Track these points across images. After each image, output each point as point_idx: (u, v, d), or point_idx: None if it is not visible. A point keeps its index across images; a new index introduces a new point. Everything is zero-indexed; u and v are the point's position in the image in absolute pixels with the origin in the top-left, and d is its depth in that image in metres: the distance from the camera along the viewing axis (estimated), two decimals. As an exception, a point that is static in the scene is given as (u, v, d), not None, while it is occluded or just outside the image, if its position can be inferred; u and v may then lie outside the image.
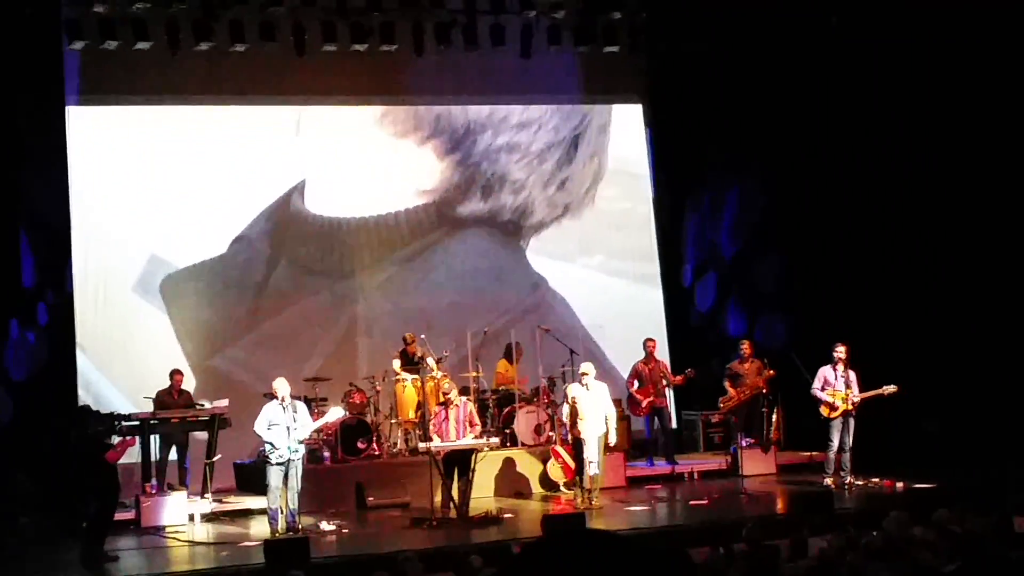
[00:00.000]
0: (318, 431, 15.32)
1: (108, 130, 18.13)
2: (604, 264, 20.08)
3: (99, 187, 17.98)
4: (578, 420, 15.14)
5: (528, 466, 16.69)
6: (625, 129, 20.54)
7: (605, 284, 19.82)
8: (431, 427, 14.97)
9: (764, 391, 17.47)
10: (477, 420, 15.09)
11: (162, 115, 18.39)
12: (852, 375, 15.77)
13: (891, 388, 15.68)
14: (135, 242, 18.04)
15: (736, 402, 17.48)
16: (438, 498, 14.59)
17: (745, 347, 17.66)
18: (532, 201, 19.64)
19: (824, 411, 15.84)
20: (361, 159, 19.28)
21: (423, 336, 17.30)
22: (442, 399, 15.11)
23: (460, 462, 14.57)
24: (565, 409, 15.42)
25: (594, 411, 15.15)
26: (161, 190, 18.16)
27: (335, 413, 15.05)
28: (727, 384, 17.58)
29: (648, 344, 17.75)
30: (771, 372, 17.20)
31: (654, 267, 20.29)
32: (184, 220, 18.07)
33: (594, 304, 19.80)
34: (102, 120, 18.19)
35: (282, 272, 18.67)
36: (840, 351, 15.79)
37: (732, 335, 19.24)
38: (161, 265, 18.19)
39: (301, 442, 14.02)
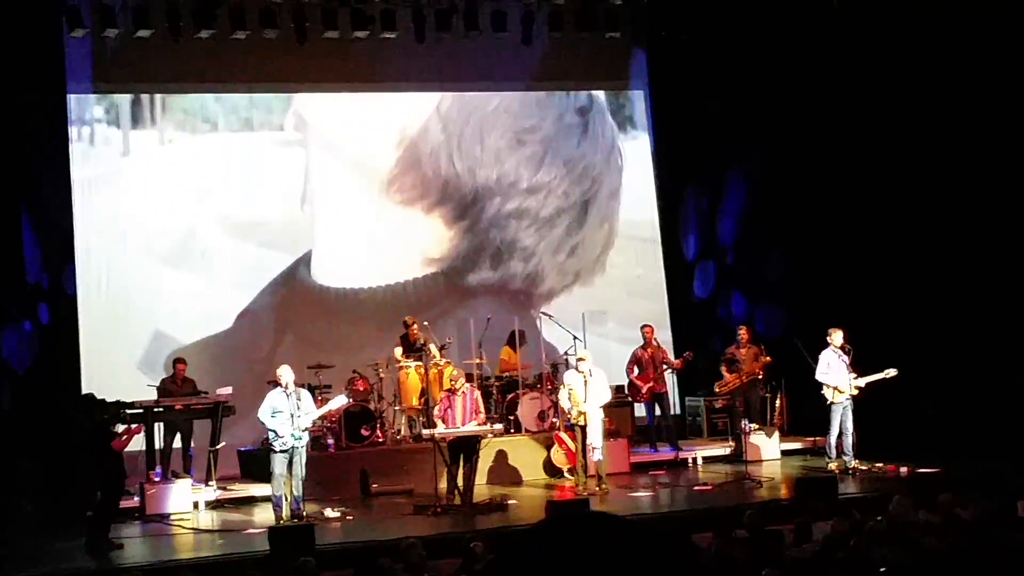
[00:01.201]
0: (322, 418, 15.31)
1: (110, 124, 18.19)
2: (616, 332, 19.57)
3: (102, 180, 18.01)
4: (577, 406, 15.13)
5: (532, 453, 16.69)
6: (636, 193, 20.30)
7: (618, 351, 18.76)
8: (436, 413, 14.96)
9: (760, 377, 17.49)
10: (482, 407, 15.09)
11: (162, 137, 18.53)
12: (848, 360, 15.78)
13: (892, 372, 15.69)
14: (139, 319, 17.69)
15: (732, 387, 17.49)
16: (442, 485, 14.60)
17: (743, 333, 17.68)
18: (542, 268, 19.27)
19: (829, 394, 15.84)
20: (368, 228, 19.12)
21: (426, 323, 17.30)
22: (449, 385, 15.10)
23: (465, 449, 14.59)
24: (563, 395, 15.41)
25: (594, 398, 15.16)
26: (164, 259, 18.09)
27: (339, 401, 15.06)
28: (723, 369, 17.60)
29: (645, 330, 17.76)
30: (768, 359, 17.22)
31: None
32: (189, 295, 17.82)
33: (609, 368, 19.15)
34: (105, 109, 18.21)
35: (288, 346, 18.25)
36: (837, 336, 15.80)
37: (733, 321, 19.25)
38: (166, 342, 17.95)
39: (305, 429, 14.03)
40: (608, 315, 19.42)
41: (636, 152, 20.65)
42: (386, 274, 18.83)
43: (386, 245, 18.96)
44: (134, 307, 17.68)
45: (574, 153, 20.27)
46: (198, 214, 18.55)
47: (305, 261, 18.90)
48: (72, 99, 17.80)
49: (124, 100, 18.35)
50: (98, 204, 17.99)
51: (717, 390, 17.76)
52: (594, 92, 20.55)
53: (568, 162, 20.21)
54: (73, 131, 17.86)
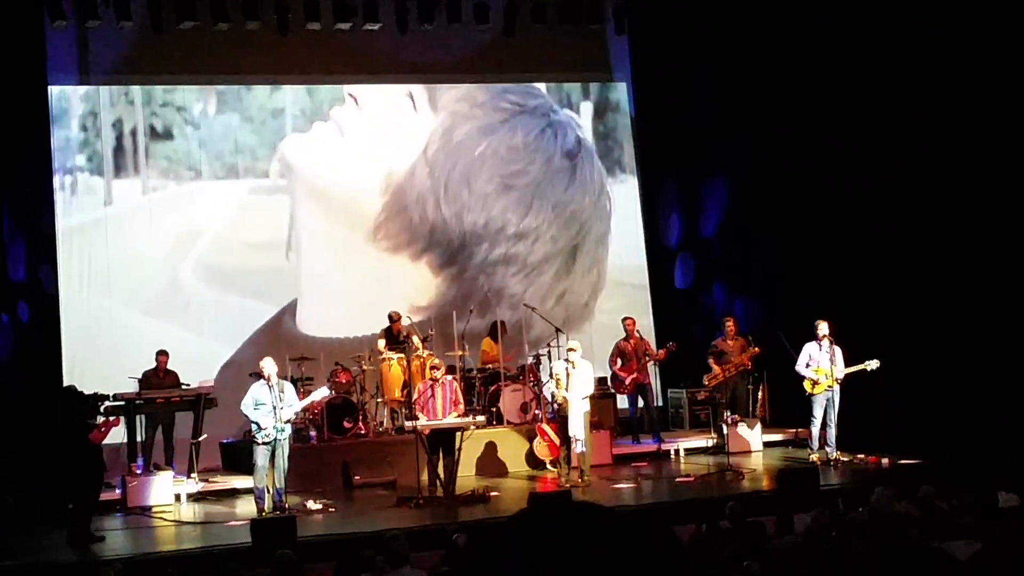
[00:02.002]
0: (304, 410, 15.29)
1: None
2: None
3: (85, 229, 17.99)
4: (563, 397, 15.14)
5: (514, 444, 16.69)
6: (625, 238, 20.07)
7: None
8: (416, 405, 14.93)
9: (749, 368, 17.51)
10: (461, 399, 15.08)
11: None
12: (838, 352, 15.82)
13: (874, 363, 15.73)
14: (121, 371, 16.40)
15: (720, 379, 17.48)
16: (424, 477, 14.60)
17: (730, 324, 17.67)
18: (530, 315, 18.66)
19: (807, 386, 15.89)
20: (353, 276, 18.90)
21: (410, 317, 17.29)
22: (430, 375, 15.08)
23: (445, 440, 14.58)
24: (551, 386, 15.42)
25: (579, 388, 15.17)
26: (147, 310, 17.90)
27: (321, 392, 15.05)
28: (711, 361, 17.58)
29: (627, 322, 17.79)
30: (756, 349, 17.23)
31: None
32: (172, 347, 16.75)
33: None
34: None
35: None
36: (822, 327, 15.84)
37: (716, 313, 19.26)
38: None
39: (288, 421, 14.02)
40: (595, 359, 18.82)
41: (625, 197, 20.47)
42: (373, 322, 17.94)
43: (372, 293, 18.38)
44: (117, 358, 16.93)
45: (562, 198, 20.02)
46: (181, 264, 18.41)
47: (290, 310, 18.64)
48: (54, 145, 17.70)
49: (107, 148, 18.20)
50: (81, 253, 17.83)
51: (706, 382, 17.69)
52: (583, 137, 20.38)
53: (556, 207, 19.96)
54: (56, 180, 17.75)
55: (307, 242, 18.91)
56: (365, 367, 17.05)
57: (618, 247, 20.34)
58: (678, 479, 15.69)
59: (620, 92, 20.66)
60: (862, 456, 15.86)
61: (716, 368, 17.47)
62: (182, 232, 18.60)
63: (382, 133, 19.35)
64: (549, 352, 17.39)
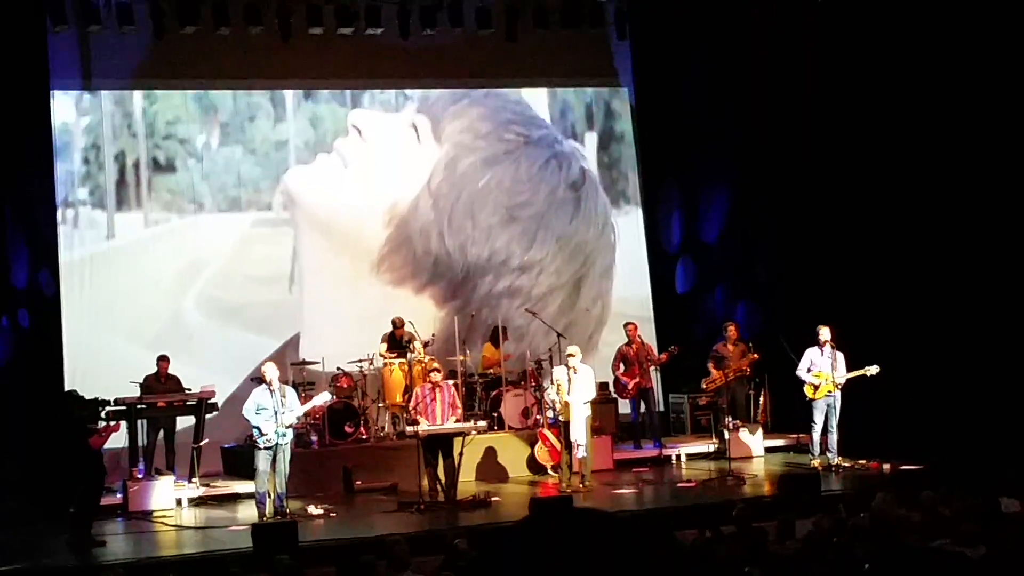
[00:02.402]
0: (306, 415, 15.29)
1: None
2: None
3: (87, 263, 17.96)
4: (564, 403, 15.12)
5: (515, 450, 16.69)
6: (629, 270, 19.87)
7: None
8: (413, 409, 14.86)
9: (748, 374, 17.50)
10: (459, 404, 15.07)
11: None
12: (840, 357, 15.83)
13: (874, 369, 15.73)
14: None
15: (719, 384, 17.46)
16: (426, 482, 14.59)
17: (731, 329, 17.65)
18: (535, 348, 18.38)
19: (808, 392, 15.90)
20: (357, 309, 18.65)
21: (411, 321, 17.29)
22: (429, 379, 15.06)
23: (443, 445, 14.57)
24: (552, 391, 15.41)
25: (580, 394, 15.15)
26: (150, 344, 17.48)
27: (323, 398, 15.05)
28: (711, 366, 17.56)
29: (629, 328, 17.79)
30: (755, 356, 17.22)
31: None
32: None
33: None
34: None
35: None
36: (824, 332, 15.84)
37: (717, 317, 19.25)
38: None
39: (289, 426, 14.01)
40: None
41: (629, 228, 20.37)
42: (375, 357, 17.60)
43: (376, 326, 17.71)
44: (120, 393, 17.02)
45: (566, 230, 19.89)
46: (184, 297, 18.29)
47: (293, 344, 18.44)
48: (58, 176, 17.64)
49: (110, 181, 18.15)
50: (83, 288, 17.77)
51: (704, 386, 17.67)
52: (587, 168, 20.31)
53: (560, 239, 19.82)
54: (59, 213, 17.69)
55: (310, 275, 18.77)
56: (366, 372, 17.04)
57: (622, 280, 20.21)
58: (679, 484, 15.69)
59: (625, 116, 20.61)
60: (863, 461, 15.85)
61: (715, 372, 17.44)
62: (184, 266, 18.49)
63: (386, 164, 19.22)
64: (550, 357, 17.39)
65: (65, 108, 18.01)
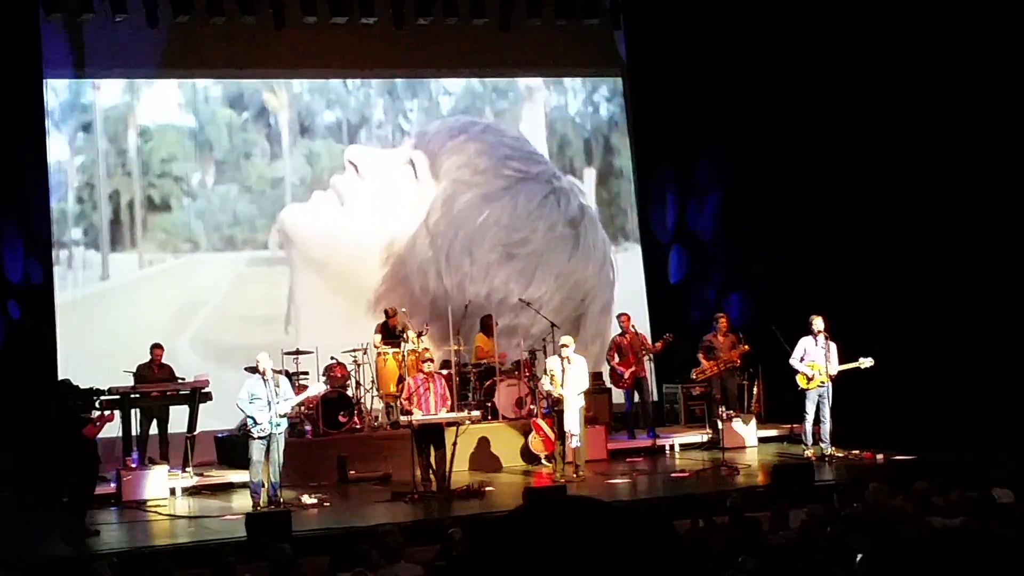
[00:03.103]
0: (299, 405, 15.29)
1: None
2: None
3: (82, 304, 17.88)
4: (558, 393, 15.12)
5: (509, 439, 16.69)
6: (629, 307, 19.03)
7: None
8: (406, 400, 14.83)
9: (737, 365, 17.52)
10: (449, 395, 15.07)
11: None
12: (833, 347, 15.85)
13: (868, 361, 15.74)
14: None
15: (709, 374, 17.47)
16: (419, 472, 14.59)
17: (722, 321, 17.66)
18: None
19: (801, 382, 15.91)
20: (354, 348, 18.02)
21: (404, 310, 17.28)
22: (421, 368, 15.05)
23: (434, 435, 14.58)
24: (545, 381, 15.41)
25: (574, 384, 15.15)
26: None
27: (316, 388, 15.06)
28: (700, 356, 17.57)
29: (622, 318, 17.81)
30: (746, 347, 17.23)
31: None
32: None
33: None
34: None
35: None
36: (817, 322, 15.85)
37: (708, 309, 19.26)
38: None
39: (283, 415, 14.01)
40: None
41: (628, 264, 20.33)
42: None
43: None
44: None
45: (565, 267, 19.84)
46: (179, 339, 18.02)
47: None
48: (54, 216, 17.61)
49: (104, 220, 18.11)
50: (79, 329, 17.65)
51: (694, 376, 17.71)
52: (586, 204, 20.31)
53: (559, 276, 19.78)
54: (53, 254, 17.63)
55: (306, 315, 18.59)
56: (360, 362, 17.03)
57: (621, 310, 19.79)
58: (673, 474, 15.70)
59: (624, 151, 20.59)
60: (856, 452, 15.87)
61: (705, 363, 17.46)
62: (179, 306, 18.37)
63: (383, 201, 19.10)
64: (544, 347, 17.40)
65: (59, 146, 17.90)
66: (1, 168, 16.86)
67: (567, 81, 20.78)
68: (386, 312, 17.30)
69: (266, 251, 18.92)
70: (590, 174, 20.71)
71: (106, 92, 18.34)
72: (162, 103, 18.72)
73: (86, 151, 18.25)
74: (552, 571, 1.60)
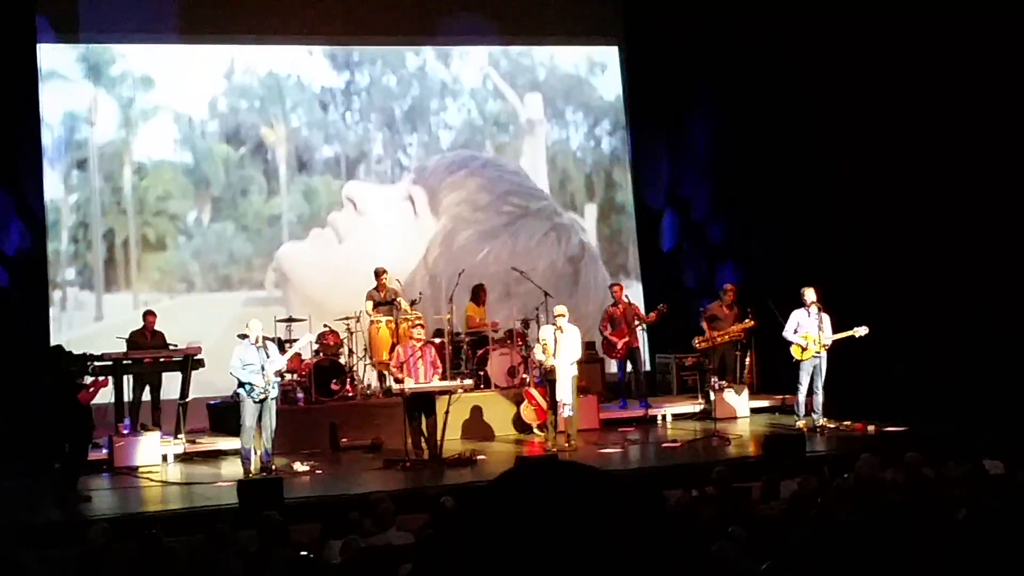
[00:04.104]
0: (292, 369, 15.30)
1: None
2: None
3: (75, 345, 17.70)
4: (551, 361, 15.12)
5: (501, 408, 16.71)
6: None
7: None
8: (397, 368, 14.81)
9: (742, 340, 17.48)
10: (440, 364, 15.06)
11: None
12: (826, 319, 15.83)
13: (862, 330, 15.74)
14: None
15: (711, 344, 17.43)
16: (411, 440, 14.61)
17: (729, 292, 17.61)
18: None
19: (795, 353, 15.91)
20: None
21: (398, 279, 17.25)
22: (411, 336, 15.04)
23: (426, 404, 14.59)
24: (537, 350, 15.40)
25: (567, 353, 15.15)
26: None
27: (304, 339, 15.12)
28: (704, 324, 17.55)
29: (614, 288, 17.80)
30: (752, 322, 17.18)
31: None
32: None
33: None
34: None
35: None
36: (809, 294, 15.84)
37: (701, 278, 19.29)
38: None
39: (277, 374, 14.03)
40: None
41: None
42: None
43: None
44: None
45: (566, 304, 19.54)
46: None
47: None
48: (49, 258, 17.53)
49: (99, 260, 17.98)
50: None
51: (696, 344, 17.61)
52: (587, 241, 20.25)
53: None
54: (49, 294, 17.59)
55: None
56: (353, 329, 17.02)
57: None
58: (665, 444, 15.71)
59: (625, 186, 20.60)
60: (848, 423, 15.89)
61: (708, 331, 17.43)
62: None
63: (381, 238, 18.96)
64: (537, 316, 17.39)
65: (53, 185, 17.78)
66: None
67: (568, 114, 20.70)
68: (376, 272, 17.20)
69: (262, 291, 18.74)
70: (591, 210, 20.64)
71: (101, 127, 18.21)
72: (158, 139, 18.59)
73: (80, 189, 18.10)
74: (538, 535, 1.60)
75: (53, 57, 17.88)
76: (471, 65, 20.27)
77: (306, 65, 19.39)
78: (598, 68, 20.82)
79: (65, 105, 18.01)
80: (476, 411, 16.49)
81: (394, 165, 19.71)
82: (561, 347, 15.11)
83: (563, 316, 15.29)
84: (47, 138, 17.66)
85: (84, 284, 18.03)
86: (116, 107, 18.36)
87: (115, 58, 18.34)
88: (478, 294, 17.98)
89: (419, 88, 20.05)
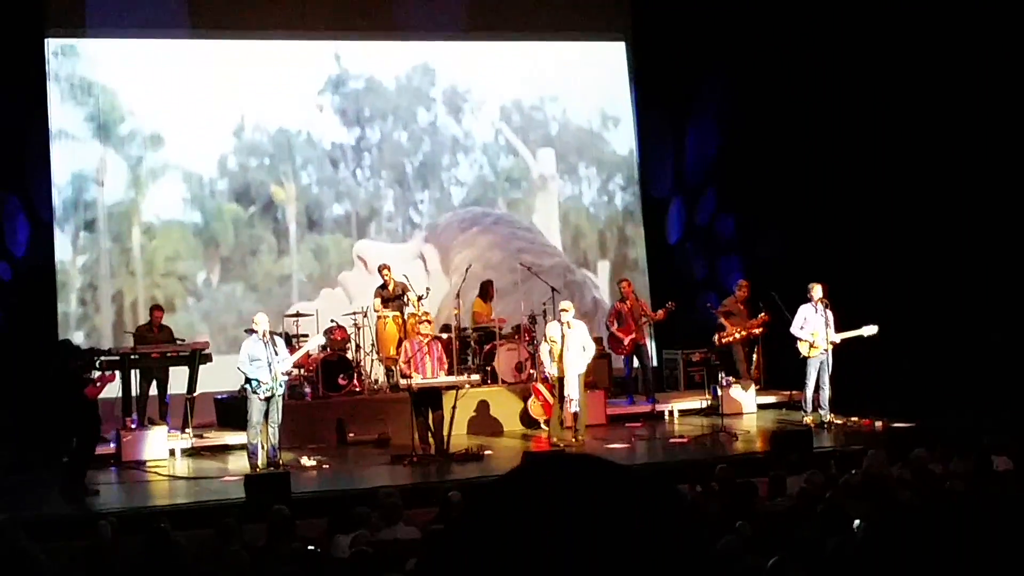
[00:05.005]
0: (299, 365, 15.31)
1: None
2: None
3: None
4: (557, 358, 15.10)
5: (508, 404, 16.71)
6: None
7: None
8: (405, 364, 14.81)
9: (757, 336, 17.41)
10: (446, 360, 15.06)
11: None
12: (830, 315, 15.80)
13: (871, 329, 15.70)
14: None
15: (733, 339, 17.39)
16: (418, 435, 14.61)
17: (743, 287, 17.56)
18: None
19: (803, 349, 15.88)
20: None
21: (405, 275, 17.26)
22: (418, 331, 15.05)
23: (433, 399, 14.59)
24: (544, 347, 15.39)
25: (574, 349, 15.14)
26: None
27: (316, 340, 15.07)
28: (723, 321, 17.51)
29: (623, 284, 17.78)
30: (766, 316, 17.14)
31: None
32: None
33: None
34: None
35: None
36: (817, 290, 15.82)
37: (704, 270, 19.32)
38: None
39: (285, 374, 14.04)
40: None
41: None
42: None
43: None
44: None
45: None
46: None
47: None
48: (59, 319, 17.44)
49: (106, 323, 17.83)
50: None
51: (717, 342, 17.57)
52: (599, 297, 20.15)
53: None
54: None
55: None
56: (360, 324, 17.03)
57: None
58: (672, 440, 15.72)
59: (639, 242, 20.52)
60: (855, 419, 15.87)
61: (730, 327, 17.40)
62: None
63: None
64: (544, 312, 17.39)
65: (63, 247, 17.69)
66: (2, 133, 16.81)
67: (581, 170, 20.65)
68: (379, 270, 17.22)
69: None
70: (604, 267, 20.54)
71: (110, 188, 18.10)
72: (167, 198, 18.49)
73: (89, 250, 17.99)
74: (550, 530, 1.60)
75: (63, 117, 17.79)
76: (483, 120, 20.14)
77: (316, 121, 19.26)
78: (611, 122, 20.70)
79: (74, 165, 17.87)
80: (483, 406, 16.49)
81: (405, 223, 19.57)
82: (569, 343, 15.09)
83: (568, 311, 15.26)
84: (56, 199, 17.53)
85: (93, 346, 17.76)
86: (125, 167, 18.23)
87: (124, 117, 18.19)
88: (486, 290, 17.99)
89: (430, 144, 19.90)
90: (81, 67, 17.97)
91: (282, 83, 18.77)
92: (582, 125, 20.71)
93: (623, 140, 20.75)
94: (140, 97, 18.15)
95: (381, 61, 19.52)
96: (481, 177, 20.24)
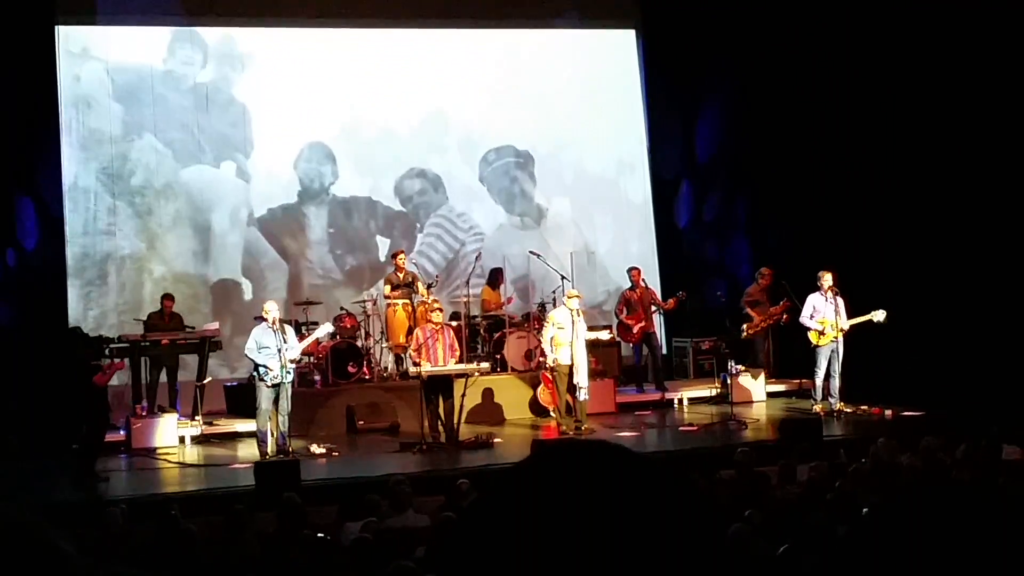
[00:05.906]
0: (309, 352, 15.33)
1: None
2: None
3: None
4: (561, 346, 15.04)
5: (518, 392, 16.71)
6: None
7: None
8: (415, 352, 14.82)
9: (783, 322, 17.32)
10: (458, 347, 15.06)
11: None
12: (840, 302, 15.77)
13: (880, 314, 15.66)
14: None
15: (760, 329, 17.36)
16: (428, 423, 14.62)
17: (766, 275, 17.49)
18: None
19: (813, 338, 15.85)
20: None
21: (414, 262, 17.26)
22: (429, 320, 15.05)
23: (443, 387, 14.60)
24: (547, 333, 15.29)
25: (583, 337, 15.12)
26: None
27: (324, 329, 15.06)
28: (749, 311, 17.46)
29: (632, 272, 17.75)
30: (787, 302, 17.07)
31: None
32: None
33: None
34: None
35: None
36: (827, 278, 15.79)
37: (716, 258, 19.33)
38: None
39: (293, 362, 14.05)
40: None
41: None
42: None
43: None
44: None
45: None
46: None
47: None
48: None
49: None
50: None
51: (746, 332, 17.39)
52: None
53: None
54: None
55: None
56: (370, 312, 17.04)
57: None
58: (681, 428, 15.72)
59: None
60: (865, 407, 15.86)
61: (757, 317, 17.37)
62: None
63: None
64: (554, 300, 17.38)
65: (73, 302, 17.52)
66: (10, 124, 16.80)
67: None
68: (393, 255, 17.22)
69: None
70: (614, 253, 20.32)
71: (121, 239, 17.98)
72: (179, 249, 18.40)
73: (97, 303, 17.80)
74: (567, 518, 1.60)
75: (73, 167, 17.73)
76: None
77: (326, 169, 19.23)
78: (627, 168, 20.71)
79: (85, 216, 17.81)
80: (493, 394, 16.48)
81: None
82: (578, 330, 15.06)
83: (577, 298, 15.23)
84: (69, 252, 17.54)
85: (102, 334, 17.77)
86: (135, 218, 18.14)
87: (135, 170, 18.14)
88: (495, 277, 17.99)
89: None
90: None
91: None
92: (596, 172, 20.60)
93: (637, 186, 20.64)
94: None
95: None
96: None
